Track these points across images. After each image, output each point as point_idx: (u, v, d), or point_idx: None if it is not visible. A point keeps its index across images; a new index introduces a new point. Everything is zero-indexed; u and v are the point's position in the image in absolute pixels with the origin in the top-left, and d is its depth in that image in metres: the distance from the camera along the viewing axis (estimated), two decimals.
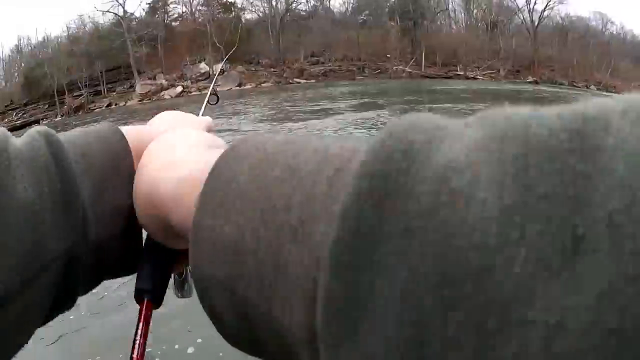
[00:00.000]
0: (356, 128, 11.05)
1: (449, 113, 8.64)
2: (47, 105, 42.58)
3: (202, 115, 0.73)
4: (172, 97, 36.47)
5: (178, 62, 37.74)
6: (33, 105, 43.57)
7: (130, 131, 0.42)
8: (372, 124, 11.46)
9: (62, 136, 0.38)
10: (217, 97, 1.13)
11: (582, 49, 45.73)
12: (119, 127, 0.43)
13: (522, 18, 48.00)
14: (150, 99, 36.92)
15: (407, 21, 40.48)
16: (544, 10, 46.91)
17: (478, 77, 40.75)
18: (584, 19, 50.48)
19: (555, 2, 46.88)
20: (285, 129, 11.54)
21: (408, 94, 22.41)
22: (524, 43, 45.90)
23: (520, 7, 47.21)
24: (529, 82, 39.70)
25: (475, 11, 45.73)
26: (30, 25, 73.53)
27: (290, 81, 36.10)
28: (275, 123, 13.20)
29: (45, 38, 44.16)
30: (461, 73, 40.59)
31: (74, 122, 30.50)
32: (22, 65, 45.67)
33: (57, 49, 42.59)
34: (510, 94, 22.59)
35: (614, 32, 50.97)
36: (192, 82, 36.84)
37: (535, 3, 46.31)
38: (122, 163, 0.39)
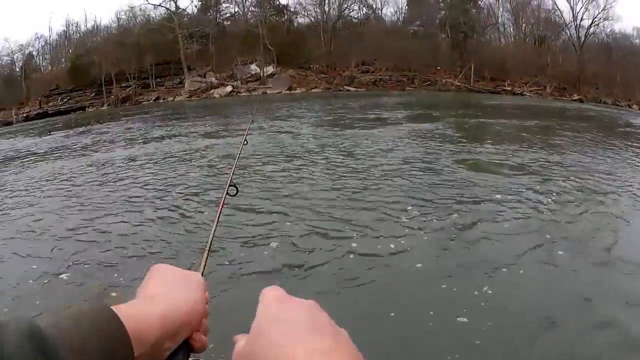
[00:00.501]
0: (415, 139, 11.14)
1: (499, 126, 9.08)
2: (93, 94, 43.01)
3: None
4: (221, 96, 36.68)
5: (228, 61, 37.91)
6: (79, 92, 44.03)
7: (130, 317, 0.41)
8: (431, 136, 11.62)
9: (52, 329, 0.36)
10: (237, 188, 1.23)
11: (625, 66, 45.10)
12: (115, 311, 0.40)
13: (568, 34, 47.39)
14: (198, 96, 37.16)
15: (458, 33, 40.17)
16: (589, 26, 46.18)
17: (525, 93, 40.39)
18: (628, 36, 49.60)
19: (600, 19, 46.12)
20: (347, 136, 11.76)
21: (459, 107, 22.52)
22: (570, 60, 45.33)
23: (567, 22, 46.59)
24: (574, 100, 39.30)
25: (523, 25, 45.20)
26: (79, 11, 74.07)
27: (340, 88, 36.12)
28: (336, 129, 13.34)
29: (95, 27, 44.59)
30: (508, 88, 40.28)
31: (120, 112, 30.88)
32: (70, 51, 46.15)
33: (107, 39, 42.90)
34: (556, 111, 22.64)
35: None
36: (241, 83, 37.00)
37: (581, 19, 45.60)
38: (120, 356, 0.38)
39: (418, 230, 4.70)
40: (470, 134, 12.37)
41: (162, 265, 0.57)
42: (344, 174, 7.22)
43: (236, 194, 1.36)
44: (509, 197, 5.95)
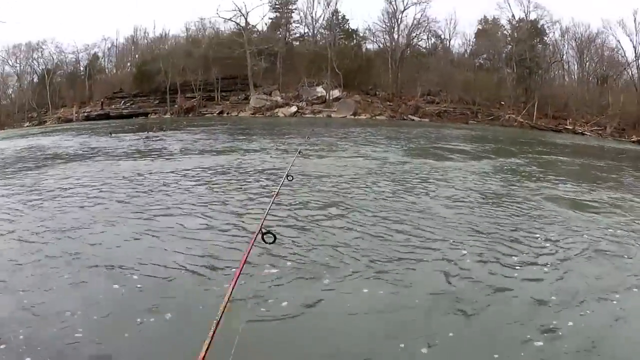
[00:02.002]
0: (498, 173, 11.34)
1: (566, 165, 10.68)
2: (157, 101, 44.00)
3: None
4: (285, 115, 37.27)
5: (295, 81, 38.47)
6: (143, 98, 45.08)
7: None
8: (512, 171, 11.91)
9: None
10: (274, 236, 1.36)
11: None
12: None
13: (630, 74, 46.66)
14: (263, 114, 37.78)
15: (523, 69, 39.99)
16: None
17: (585, 132, 39.94)
18: None
19: None
20: (438, 166, 11.86)
21: (523, 144, 22.56)
22: (631, 100, 44.62)
23: (629, 61, 45.86)
24: (633, 142, 38.69)
25: (587, 63, 44.70)
26: (147, 17, 76.01)
27: (405, 117, 36.32)
28: (430, 158, 13.49)
29: (163, 34, 45.73)
30: (570, 127, 39.89)
31: (184, 122, 31.54)
32: (136, 56, 47.40)
33: (175, 47, 43.84)
34: (611, 153, 22.58)
35: None
36: (307, 104, 37.52)
37: None
38: None
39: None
40: (538, 171, 12.35)
41: None
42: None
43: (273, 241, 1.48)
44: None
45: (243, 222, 5.85)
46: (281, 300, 3.72)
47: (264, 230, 2.01)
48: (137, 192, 7.62)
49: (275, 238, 2.05)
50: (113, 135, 20.14)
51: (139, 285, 3.93)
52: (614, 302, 4.05)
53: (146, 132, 21.23)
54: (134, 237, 5.26)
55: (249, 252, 1.68)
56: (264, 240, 2.04)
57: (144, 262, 4.42)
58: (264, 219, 2.40)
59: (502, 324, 3.61)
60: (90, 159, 12.05)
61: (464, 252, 5.08)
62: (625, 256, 5.23)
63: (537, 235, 5.82)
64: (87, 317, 3.38)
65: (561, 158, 16.96)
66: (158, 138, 18.42)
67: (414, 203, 7.35)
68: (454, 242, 5.41)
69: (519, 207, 7.41)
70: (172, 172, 9.64)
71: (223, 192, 7.72)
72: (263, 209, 5.01)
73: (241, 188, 8.04)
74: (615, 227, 6.46)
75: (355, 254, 4.87)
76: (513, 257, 5.00)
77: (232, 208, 6.60)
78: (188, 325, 3.25)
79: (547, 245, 5.47)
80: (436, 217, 6.52)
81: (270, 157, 12.40)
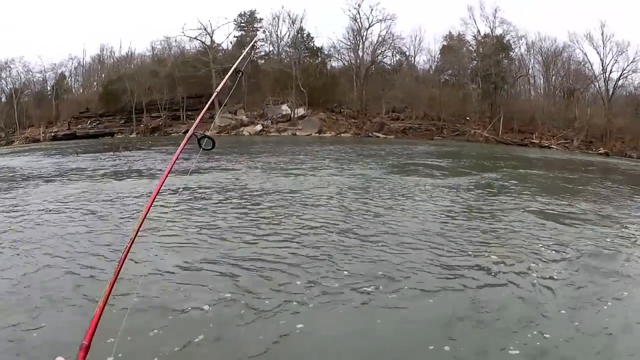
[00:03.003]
0: (470, 188, 11.14)
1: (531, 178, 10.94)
2: (123, 120, 43.46)
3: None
4: (250, 134, 36.95)
5: (260, 100, 38.23)
6: (109, 117, 44.50)
7: None
8: (485, 185, 11.81)
9: None
10: (213, 141, 1.04)
11: None
12: None
13: (597, 87, 47.16)
14: (228, 133, 37.42)
15: (489, 84, 40.21)
16: (618, 78, 45.80)
17: (552, 146, 40.17)
18: None
19: (629, 71, 45.75)
20: (403, 183, 11.38)
21: (489, 158, 22.61)
22: (598, 113, 45.07)
23: (596, 75, 46.37)
24: (600, 154, 39.00)
25: (553, 77, 45.17)
26: (114, 38, 75.45)
27: (370, 134, 36.21)
28: (404, 175, 13.40)
29: (129, 53, 45.32)
30: (536, 141, 40.11)
31: (149, 142, 31.14)
32: (103, 75, 46.89)
33: (141, 67, 43.46)
34: (581, 166, 22.76)
35: None
36: (272, 123, 37.26)
37: (610, 71, 45.29)
38: None
39: None
40: (512, 185, 12.32)
41: None
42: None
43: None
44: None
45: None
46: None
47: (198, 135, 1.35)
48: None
49: (214, 143, 1.37)
50: (79, 154, 20.31)
51: None
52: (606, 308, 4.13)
53: (112, 152, 21.11)
54: None
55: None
56: (200, 146, 1.55)
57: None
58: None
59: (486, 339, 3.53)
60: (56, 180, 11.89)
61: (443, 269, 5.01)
62: (613, 266, 5.38)
63: (521, 249, 5.87)
64: None
65: (534, 171, 17.13)
66: (122, 158, 18.33)
67: (381, 219, 7.28)
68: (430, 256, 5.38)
69: (496, 221, 7.46)
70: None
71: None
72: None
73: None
74: (601, 238, 6.62)
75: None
76: (498, 271, 5.00)
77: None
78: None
79: (532, 258, 5.49)
80: (407, 234, 6.41)
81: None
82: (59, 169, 14.80)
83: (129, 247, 0.73)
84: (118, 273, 0.68)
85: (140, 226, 0.77)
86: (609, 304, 4.23)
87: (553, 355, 3.32)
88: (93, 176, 12.51)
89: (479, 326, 3.75)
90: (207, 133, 1.20)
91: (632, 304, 4.34)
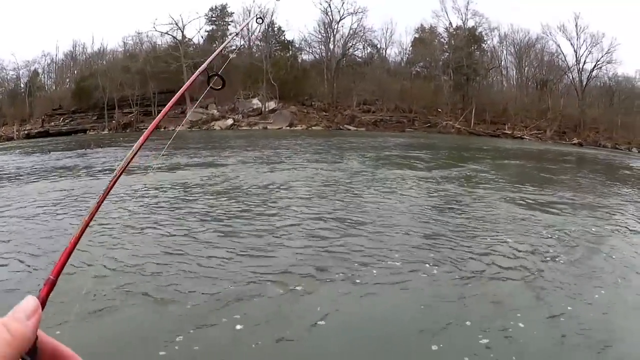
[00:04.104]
0: (449, 180, 10.96)
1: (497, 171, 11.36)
2: (95, 117, 43.13)
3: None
4: (221, 128, 36.81)
5: (231, 94, 38.04)
6: (81, 114, 44.15)
7: None
8: (463, 177, 11.98)
9: None
10: (223, 80, 1.03)
11: (626, 110, 45.16)
12: None
13: (571, 78, 47.43)
14: (199, 127, 37.27)
15: (460, 76, 40.41)
16: (592, 69, 46.07)
17: (525, 137, 40.43)
18: (630, 79, 49.38)
19: (603, 62, 46.03)
20: (376, 176, 11.37)
21: (460, 150, 22.73)
22: (571, 103, 45.37)
23: (570, 66, 46.61)
24: (573, 144, 39.33)
25: (526, 69, 45.45)
26: (86, 33, 74.48)
27: (341, 127, 36.24)
28: (379, 168, 13.44)
29: (101, 49, 44.89)
30: (509, 132, 40.35)
31: (121, 138, 30.93)
32: (75, 72, 46.41)
33: (113, 63, 43.10)
34: (557, 155, 22.96)
35: None
36: (243, 117, 37.15)
37: (584, 62, 45.57)
38: None
39: None
40: (492, 176, 12.53)
41: None
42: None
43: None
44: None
45: None
46: None
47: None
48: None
49: (224, 83, 1.25)
50: (51, 152, 20.08)
51: None
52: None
53: (84, 149, 20.97)
54: None
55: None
56: (208, 84, 1.28)
57: None
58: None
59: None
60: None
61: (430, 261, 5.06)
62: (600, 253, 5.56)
63: (500, 237, 6.03)
64: None
65: (512, 162, 17.43)
66: (94, 156, 18.18)
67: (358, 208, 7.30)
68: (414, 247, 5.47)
69: (476, 212, 7.59)
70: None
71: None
72: None
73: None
74: (586, 224, 6.90)
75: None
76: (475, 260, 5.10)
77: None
78: None
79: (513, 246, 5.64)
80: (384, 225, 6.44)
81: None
82: (27, 168, 14.62)
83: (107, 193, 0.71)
84: (97, 209, 0.67)
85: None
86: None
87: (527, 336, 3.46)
88: (61, 174, 12.36)
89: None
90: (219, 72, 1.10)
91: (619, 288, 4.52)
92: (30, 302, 0.49)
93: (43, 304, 0.51)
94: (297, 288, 4.18)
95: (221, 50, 1.63)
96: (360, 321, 3.69)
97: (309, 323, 3.58)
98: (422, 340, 3.38)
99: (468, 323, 3.64)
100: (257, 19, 2.33)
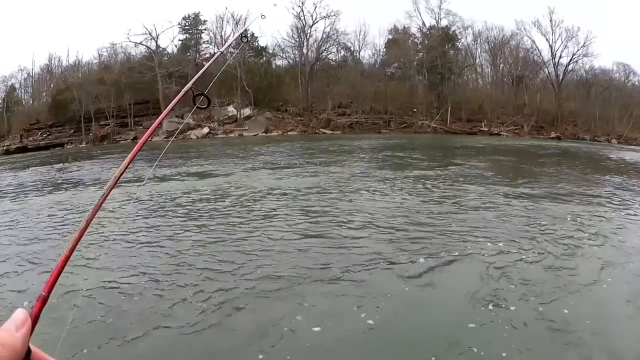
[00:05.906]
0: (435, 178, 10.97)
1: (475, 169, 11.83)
2: (72, 130, 42.92)
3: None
4: (198, 137, 36.79)
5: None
6: (59, 128, 43.95)
7: None
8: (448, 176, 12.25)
9: None
10: (209, 100, 1.09)
11: (604, 102, 45.49)
12: None
13: (547, 72, 47.71)
14: (176, 137, 37.21)
15: (435, 75, 40.68)
16: (568, 63, 46.33)
17: (502, 133, 40.68)
18: (607, 71, 49.65)
19: (580, 56, 46.31)
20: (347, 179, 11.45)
21: (436, 149, 22.95)
22: (548, 98, 45.62)
23: (545, 61, 46.88)
24: (552, 138, 39.59)
25: (501, 66, 45.77)
26: (62, 45, 73.90)
27: (317, 131, 36.35)
28: (357, 169, 13.55)
29: (77, 62, 44.71)
30: (485, 129, 40.60)
31: (98, 151, 30.84)
32: (52, 86, 46.19)
33: (88, 75, 42.98)
34: (537, 150, 23.17)
35: (637, 83, 50.19)
36: (218, 125, 37.17)
37: (560, 57, 45.86)
38: None
39: None
40: (475, 173, 12.76)
41: None
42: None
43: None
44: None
45: None
46: None
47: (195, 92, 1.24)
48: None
49: (209, 102, 1.29)
50: (29, 167, 20.13)
51: None
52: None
53: (62, 164, 20.85)
54: None
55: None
56: (194, 103, 1.32)
57: None
58: None
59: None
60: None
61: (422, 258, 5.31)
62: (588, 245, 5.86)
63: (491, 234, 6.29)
64: None
65: (497, 158, 17.69)
66: (71, 169, 18.19)
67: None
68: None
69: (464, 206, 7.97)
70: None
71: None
72: None
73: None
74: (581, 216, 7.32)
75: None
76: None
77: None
78: None
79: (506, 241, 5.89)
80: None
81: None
82: (11, 185, 14.57)
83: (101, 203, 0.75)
84: (88, 225, 0.73)
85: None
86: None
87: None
88: (39, 190, 12.44)
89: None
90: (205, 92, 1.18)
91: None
92: (19, 314, 0.51)
93: (35, 319, 0.53)
94: (282, 294, 4.38)
95: (206, 69, 1.69)
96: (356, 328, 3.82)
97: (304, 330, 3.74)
98: (423, 340, 3.55)
99: (454, 321, 3.87)
100: (242, 37, 2.25)
